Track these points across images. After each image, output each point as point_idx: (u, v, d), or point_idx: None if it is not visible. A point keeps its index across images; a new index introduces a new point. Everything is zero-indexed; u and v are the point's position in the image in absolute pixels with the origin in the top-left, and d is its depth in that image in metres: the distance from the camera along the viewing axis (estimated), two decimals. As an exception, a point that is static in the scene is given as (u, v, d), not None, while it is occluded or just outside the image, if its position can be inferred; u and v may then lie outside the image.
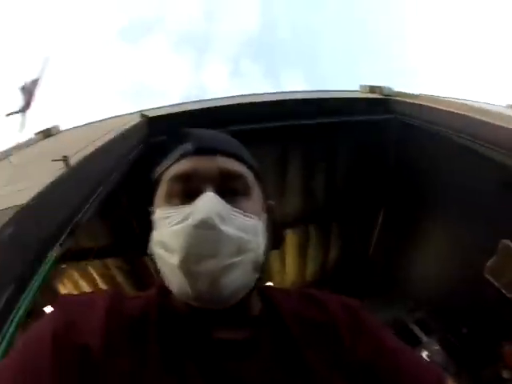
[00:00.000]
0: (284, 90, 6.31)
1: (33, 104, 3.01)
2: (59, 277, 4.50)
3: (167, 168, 0.55)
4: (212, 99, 4.38)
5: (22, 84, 3.11)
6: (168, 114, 3.79)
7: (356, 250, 6.22)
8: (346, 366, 0.53)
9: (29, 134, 3.94)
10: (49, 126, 4.01)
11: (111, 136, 2.86)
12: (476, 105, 3.60)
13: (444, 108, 3.55)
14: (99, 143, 2.66)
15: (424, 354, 5.07)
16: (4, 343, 1.33)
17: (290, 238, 5.52)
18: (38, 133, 3.96)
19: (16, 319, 1.44)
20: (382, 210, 5.66)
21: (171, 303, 0.52)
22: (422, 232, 5.05)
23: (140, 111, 3.84)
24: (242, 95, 4.41)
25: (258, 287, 0.58)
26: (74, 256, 4.08)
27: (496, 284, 3.66)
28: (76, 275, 4.73)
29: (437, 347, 5.22)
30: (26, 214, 1.68)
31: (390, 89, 4.31)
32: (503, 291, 3.62)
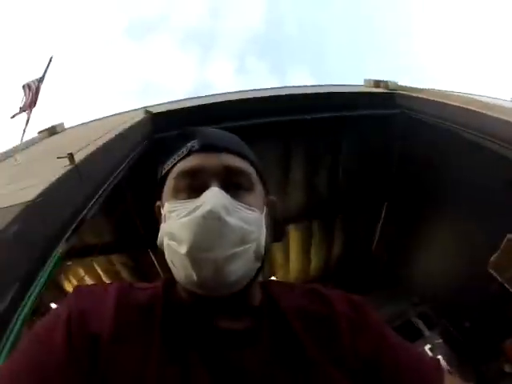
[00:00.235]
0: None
1: (37, 102, 3.02)
2: (64, 273, 4.54)
3: (174, 164, 0.57)
4: (214, 95, 4.37)
5: (26, 82, 3.10)
6: (172, 110, 3.78)
7: (359, 245, 6.21)
8: (348, 360, 0.54)
9: (34, 132, 3.97)
10: (54, 123, 4.03)
11: (116, 133, 2.87)
12: (482, 99, 3.56)
13: (449, 102, 3.51)
14: (104, 140, 2.67)
15: (426, 348, 5.09)
16: (10, 340, 1.34)
17: (294, 233, 5.51)
18: (43, 131, 3.98)
19: (22, 316, 1.44)
20: (386, 205, 5.63)
21: (176, 294, 0.56)
22: (425, 227, 5.02)
23: (144, 107, 3.83)
24: (247, 90, 4.39)
25: (260, 282, 0.60)
26: (79, 252, 4.10)
27: (499, 279, 3.66)
28: (81, 271, 4.76)
29: (439, 341, 5.23)
30: (31, 211, 1.68)
31: (395, 83, 4.27)
32: (506, 286, 3.62)
